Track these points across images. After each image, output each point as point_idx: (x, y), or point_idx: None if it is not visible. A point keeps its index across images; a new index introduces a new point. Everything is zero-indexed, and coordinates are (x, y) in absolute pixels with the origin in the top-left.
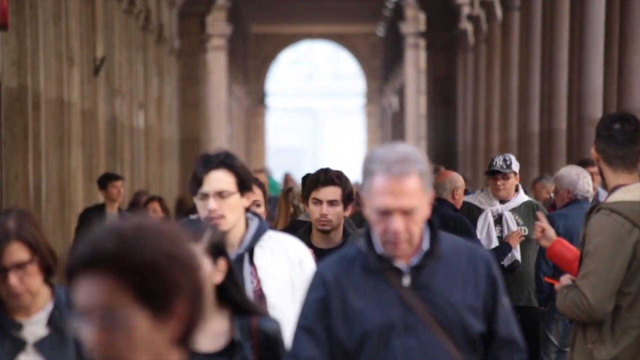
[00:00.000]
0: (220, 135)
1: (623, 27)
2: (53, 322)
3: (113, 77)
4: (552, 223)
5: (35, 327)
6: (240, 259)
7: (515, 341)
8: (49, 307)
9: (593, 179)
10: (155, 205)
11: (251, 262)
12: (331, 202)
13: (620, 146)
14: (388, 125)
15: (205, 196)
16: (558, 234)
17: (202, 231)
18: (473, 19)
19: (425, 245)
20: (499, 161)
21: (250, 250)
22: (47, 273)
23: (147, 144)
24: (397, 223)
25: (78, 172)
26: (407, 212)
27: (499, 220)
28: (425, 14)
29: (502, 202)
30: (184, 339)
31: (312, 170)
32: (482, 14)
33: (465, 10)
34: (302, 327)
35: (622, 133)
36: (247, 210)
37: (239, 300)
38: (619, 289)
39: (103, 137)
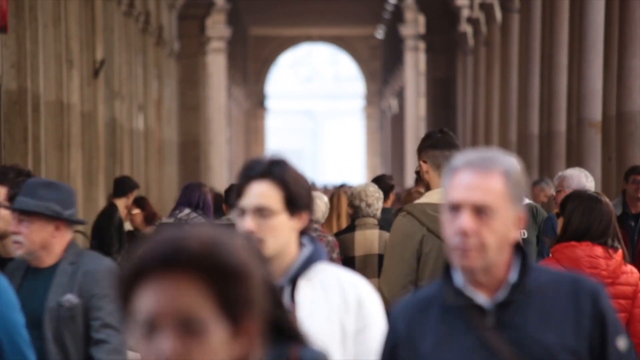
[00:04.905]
0: (219, 138)
1: (622, 29)
2: None
3: (112, 79)
4: (552, 223)
5: None
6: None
7: None
8: None
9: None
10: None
11: (292, 298)
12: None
13: (446, 149)
14: (388, 127)
15: (243, 212)
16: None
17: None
18: (472, 21)
19: (513, 278)
20: None
21: (294, 283)
22: None
23: (146, 146)
24: (465, 219)
25: (77, 174)
26: (480, 211)
27: None
28: (425, 16)
29: None
30: None
31: (312, 172)
32: (482, 16)
33: (465, 12)
34: None
35: (445, 140)
36: (303, 232)
37: (280, 321)
38: (416, 283)
39: (102, 139)
